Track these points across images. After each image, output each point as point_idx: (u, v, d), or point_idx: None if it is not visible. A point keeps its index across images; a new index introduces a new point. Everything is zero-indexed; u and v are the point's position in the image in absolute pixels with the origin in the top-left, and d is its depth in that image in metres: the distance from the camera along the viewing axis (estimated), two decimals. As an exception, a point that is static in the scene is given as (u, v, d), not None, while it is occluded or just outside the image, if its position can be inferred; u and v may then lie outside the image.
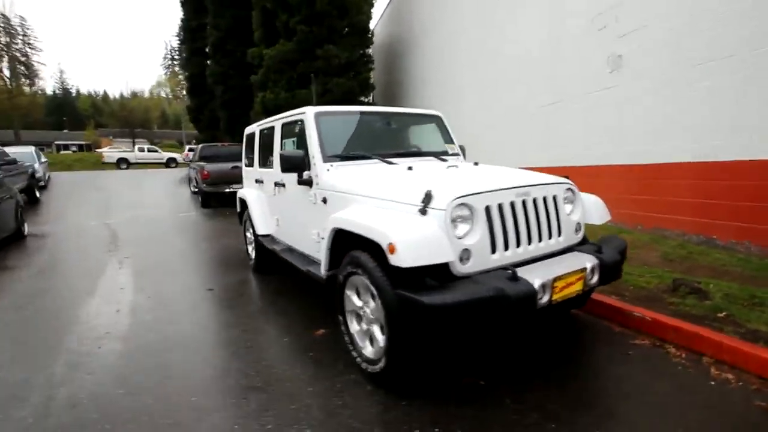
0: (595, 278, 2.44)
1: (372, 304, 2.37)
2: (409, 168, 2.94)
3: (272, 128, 4.08)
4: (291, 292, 4.11)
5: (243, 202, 4.89)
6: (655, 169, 5.15)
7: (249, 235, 4.98)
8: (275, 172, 3.97)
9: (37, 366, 2.77)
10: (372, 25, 12.77)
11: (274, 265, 4.55)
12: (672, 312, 2.98)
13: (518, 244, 2.37)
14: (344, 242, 2.61)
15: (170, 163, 30.02)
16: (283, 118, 3.82)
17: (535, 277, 2.15)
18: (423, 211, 2.20)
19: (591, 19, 5.90)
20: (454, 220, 2.18)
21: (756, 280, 3.52)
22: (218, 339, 3.20)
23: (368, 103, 12.55)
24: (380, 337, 2.32)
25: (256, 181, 4.61)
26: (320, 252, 2.95)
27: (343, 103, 13.10)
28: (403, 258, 2.00)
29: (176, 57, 50.45)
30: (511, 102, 7.82)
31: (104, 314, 3.64)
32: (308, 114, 3.33)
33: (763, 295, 3.15)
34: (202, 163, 10.52)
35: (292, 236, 3.81)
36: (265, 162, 4.38)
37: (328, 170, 3.11)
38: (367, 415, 2.15)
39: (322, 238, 2.84)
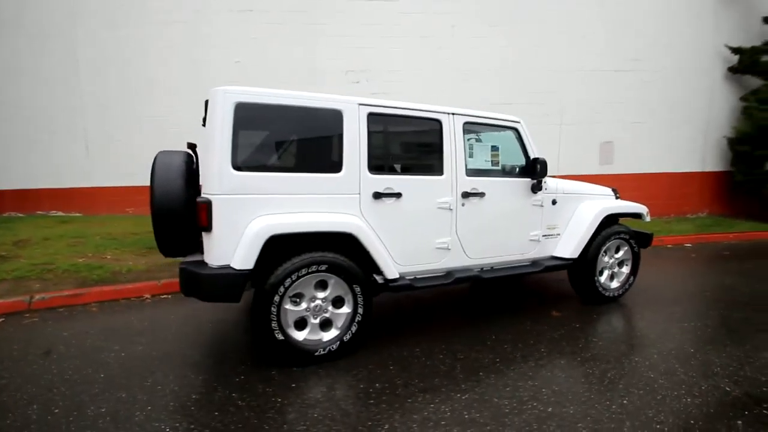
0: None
1: (618, 254, 4.18)
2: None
3: (436, 122, 3.33)
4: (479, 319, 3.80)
5: (330, 240, 2.85)
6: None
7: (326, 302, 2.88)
8: (452, 180, 3.34)
9: None
10: None
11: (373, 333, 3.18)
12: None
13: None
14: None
15: None
16: (478, 117, 3.50)
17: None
18: (617, 197, 4.42)
19: (345, 73, 7.78)
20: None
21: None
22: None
23: None
24: (623, 270, 4.23)
25: (377, 196, 3.05)
26: (526, 247, 3.81)
27: None
28: (649, 218, 4.27)
29: None
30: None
31: None
32: (522, 123, 3.74)
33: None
34: None
35: (486, 249, 3.59)
36: (416, 167, 3.31)
37: (547, 175, 3.92)
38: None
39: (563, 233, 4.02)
